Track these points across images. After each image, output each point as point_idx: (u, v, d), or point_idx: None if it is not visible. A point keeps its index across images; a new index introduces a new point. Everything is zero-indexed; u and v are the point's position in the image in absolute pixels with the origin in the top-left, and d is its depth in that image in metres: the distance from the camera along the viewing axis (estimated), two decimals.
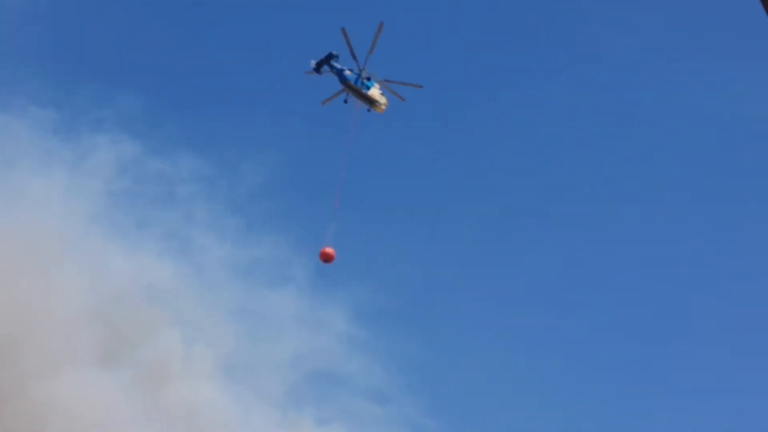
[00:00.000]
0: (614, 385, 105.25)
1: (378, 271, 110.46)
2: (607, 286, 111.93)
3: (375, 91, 33.60)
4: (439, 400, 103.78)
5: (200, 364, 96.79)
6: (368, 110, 34.85)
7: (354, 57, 33.83)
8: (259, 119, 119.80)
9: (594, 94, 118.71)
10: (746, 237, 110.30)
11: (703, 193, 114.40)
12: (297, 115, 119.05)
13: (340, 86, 35.00)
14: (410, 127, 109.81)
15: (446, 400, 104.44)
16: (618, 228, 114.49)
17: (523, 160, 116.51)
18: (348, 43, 33.47)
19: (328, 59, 33.84)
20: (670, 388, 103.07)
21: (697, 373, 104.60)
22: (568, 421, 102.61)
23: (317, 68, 34.28)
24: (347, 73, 33.20)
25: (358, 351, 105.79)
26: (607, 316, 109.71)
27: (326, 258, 35.66)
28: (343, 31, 33.19)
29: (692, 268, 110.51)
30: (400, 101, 34.73)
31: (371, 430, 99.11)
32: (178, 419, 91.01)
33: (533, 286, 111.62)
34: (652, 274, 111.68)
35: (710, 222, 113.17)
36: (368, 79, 33.49)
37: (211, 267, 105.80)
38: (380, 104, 33.99)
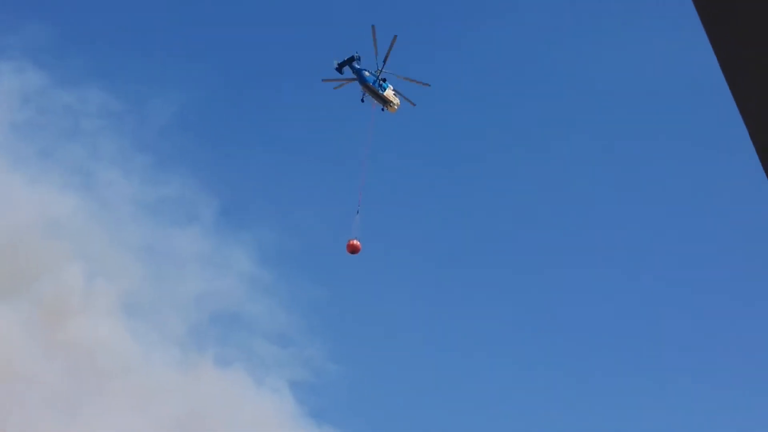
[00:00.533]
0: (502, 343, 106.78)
1: (284, 214, 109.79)
2: (501, 242, 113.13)
3: (389, 93, 35.54)
4: (341, 345, 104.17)
5: (101, 300, 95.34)
6: (382, 109, 36.61)
7: (376, 53, 35.79)
8: (171, 57, 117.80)
9: (504, 54, 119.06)
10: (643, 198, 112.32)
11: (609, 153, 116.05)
12: (209, 55, 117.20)
13: (353, 79, 36.81)
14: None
15: (348, 345, 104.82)
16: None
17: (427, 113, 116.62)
18: (374, 40, 35.09)
19: (350, 61, 35.57)
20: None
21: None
22: (465, 365, 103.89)
23: (339, 68, 36.03)
24: (366, 74, 34.86)
25: (262, 293, 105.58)
26: (499, 271, 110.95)
27: (353, 250, 37.64)
28: (373, 28, 34.82)
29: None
30: (411, 106, 36.52)
31: (272, 371, 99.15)
32: (78, 355, 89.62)
33: (438, 236, 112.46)
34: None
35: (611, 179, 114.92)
36: (384, 80, 35.36)
37: (115, 203, 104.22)
38: (393, 104, 35.91)
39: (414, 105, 37.78)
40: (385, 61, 36.49)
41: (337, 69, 36.18)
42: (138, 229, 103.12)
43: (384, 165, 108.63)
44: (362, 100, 36.11)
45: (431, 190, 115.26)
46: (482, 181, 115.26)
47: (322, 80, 37.92)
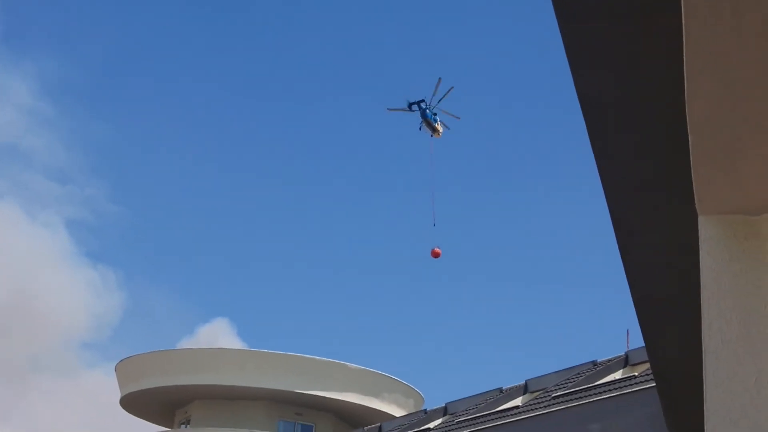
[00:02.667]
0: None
1: (71, 46, 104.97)
2: None
3: (439, 124, 47.07)
4: (123, 186, 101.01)
5: None
6: (431, 135, 47.69)
7: (434, 96, 46.31)
8: None
9: None
10: None
11: None
12: None
13: (412, 111, 46.72)
14: None
15: (130, 186, 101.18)
16: None
17: None
18: (437, 88, 45.61)
19: (419, 102, 46.75)
20: None
21: None
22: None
23: (409, 106, 47.06)
24: (428, 112, 46.49)
25: (42, 126, 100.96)
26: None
27: (436, 255, 45.91)
28: (439, 79, 45.67)
29: None
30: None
31: (49, 208, 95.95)
32: None
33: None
34: None
35: None
36: (435, 114, 46.78)
37: None
38: (440, 132, 47.50)
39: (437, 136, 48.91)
40: (439, 101, 47.31)
41: (408, 106, 46.89)
42: None
43: None
44: (420, 129, 47.06)
45: None
46: None
47: (388, 109, 48.80)
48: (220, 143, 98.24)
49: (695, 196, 3.16)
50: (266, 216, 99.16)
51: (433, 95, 47.77)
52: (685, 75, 2.61)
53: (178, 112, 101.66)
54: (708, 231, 3.23)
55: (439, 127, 48.85)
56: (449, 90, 48.18)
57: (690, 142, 2.88)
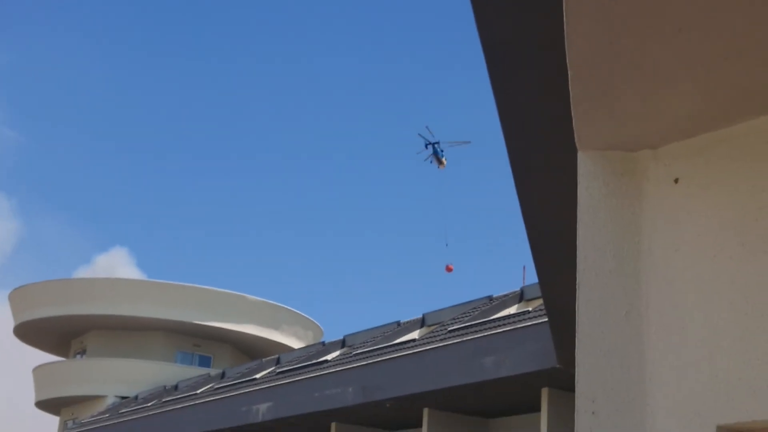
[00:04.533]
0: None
1: None
2: None
3: (444, 158, 52.51)
4: (18, 111, 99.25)
5: None
6: (438, 167, 52.93)
7: (431, 136, 51.48)
8: None
9: None
10: None
11: None
12: None
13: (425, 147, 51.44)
14: None
15: (26, 111, 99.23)
16: None
17: None
18: (430, 132, 50.98)
19: (434, 143, 51.79)
20: None
21: None
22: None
23: (426, 146, 52.00)
24: (439, 150, 51.93)
25: None
26: None
27: (449, 270, 49.91)
28: (427, 127, 51.55)
29: None
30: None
31: None
32: None
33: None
34: None
35: None
36: (442, 150, 52.17)
37: None
38: (444, 164, 52.87)
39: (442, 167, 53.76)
40: (450, 145, 52.46)
41: (425, 145, 51.80)
42: None
43: None
44: (430, 162, 52.29)
45: None
46: None
47: (418, 134, 52.37)
48: (119, 64, 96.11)
49: (575, 133, 3.21)
50: (166, 145, 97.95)
51: (431, 135, 52.36)
52: (564, 12, 2.64)
53: (77, 35, 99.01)
54: (586, 167, 3.29)
55: (444, 161, 54.35)
56: (466, 142, 53.61)
57: (569, 78, 2.91)
